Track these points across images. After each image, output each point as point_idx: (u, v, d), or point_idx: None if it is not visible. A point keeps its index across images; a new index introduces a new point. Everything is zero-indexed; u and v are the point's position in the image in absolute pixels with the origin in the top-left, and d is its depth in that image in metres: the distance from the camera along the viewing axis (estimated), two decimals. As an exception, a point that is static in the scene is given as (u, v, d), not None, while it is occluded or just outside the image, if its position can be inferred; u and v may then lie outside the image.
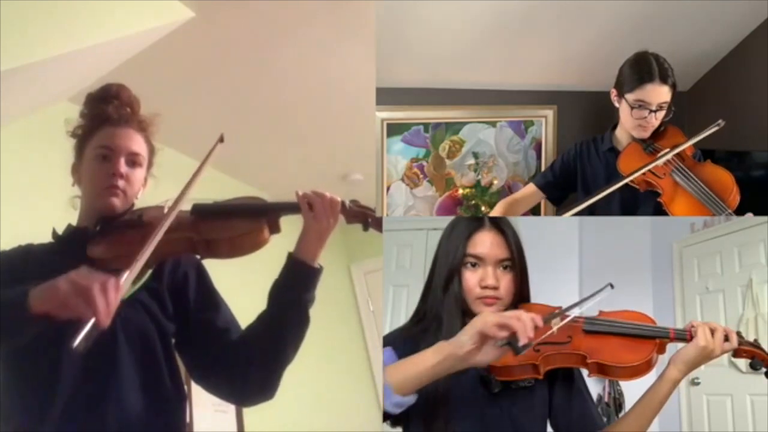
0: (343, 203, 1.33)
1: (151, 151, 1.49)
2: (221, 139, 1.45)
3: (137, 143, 1.43)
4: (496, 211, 2.25)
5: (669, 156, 1.98)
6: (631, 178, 1.97)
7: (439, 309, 1.32)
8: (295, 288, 1.32)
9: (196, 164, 1.39)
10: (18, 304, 1.10)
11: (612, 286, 1.22)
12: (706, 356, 1.23)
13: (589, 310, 1.28)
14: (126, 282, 1.12)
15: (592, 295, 1.23)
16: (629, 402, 2.50)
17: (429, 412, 1.22)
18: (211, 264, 1.41)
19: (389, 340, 1.35)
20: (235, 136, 3.21)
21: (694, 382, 2.49)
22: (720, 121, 1.95)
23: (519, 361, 1.24)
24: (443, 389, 1.23)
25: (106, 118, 1.42)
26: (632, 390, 2.37)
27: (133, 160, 1.42)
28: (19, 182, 2.48)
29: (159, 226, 1.24)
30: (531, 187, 2.32)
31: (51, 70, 2.27)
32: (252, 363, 1.32)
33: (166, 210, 1.34)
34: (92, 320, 1.03)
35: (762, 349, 1.27)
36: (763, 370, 1.26)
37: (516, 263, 1.34)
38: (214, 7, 2.49)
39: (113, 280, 1.08)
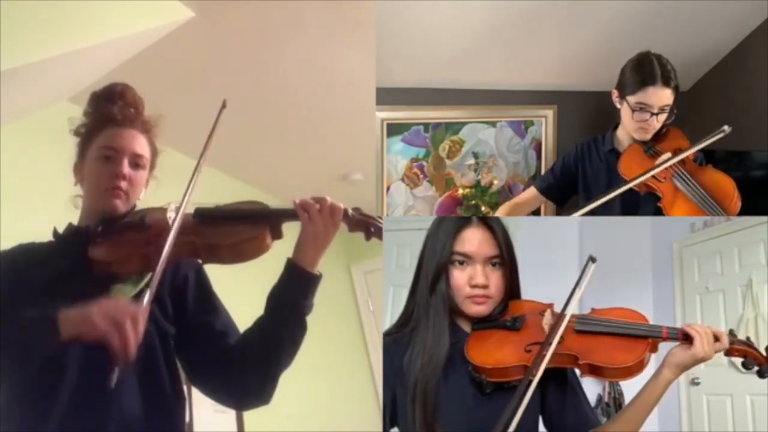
0: (345, 211, 1.31)
1: (154, 153, 1.48)
2: (224, 105, 1.45)
3: (141, 145, 1.43)
4: (498, 215, 2.24)
5: (670, 163, 1.95)
6: (633, 183, 1.93)
7: (426, 309, 1.31)
8: (291, 294, 1.31)
9: (194, 163, 1.39)
10: (46, 326, 1.13)
11: (594, 260, 1.21)
12: (700, 361, 1.24)
13: (582, 307, 1.28)
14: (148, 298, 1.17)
15: (580, 280, 1.21)
16: (629, 402, 2.49)
17: (420, 413, 1.21)
18: (211, 268, 1.41)
19: (385, 351, 1.33)
20: (234, 136, 3.24)
21: (694, 382, 2.49)
22: (725, 127, 1.89)
23: (511, 362, 1.24)
24: (434, 391, 1.23)
25: (111, 118, 1.42)
26: (633, 390, 2.36)
27: (136, 162, 1.41)
28: (19, 182, 2.49)
29: (170, 231, 1.25)
30: (532, 191, 2.31)
31: (51, 70, 2.28)
32: (248, 368, 1.31)
33: (169, 213, 1.35)
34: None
35: (754, 348, 1.27)
36: (755, 369, 1.26)
37: (505, 260, 1.31)
38: (214, 7, 2.49)
39: (142, 310, 1.14)
